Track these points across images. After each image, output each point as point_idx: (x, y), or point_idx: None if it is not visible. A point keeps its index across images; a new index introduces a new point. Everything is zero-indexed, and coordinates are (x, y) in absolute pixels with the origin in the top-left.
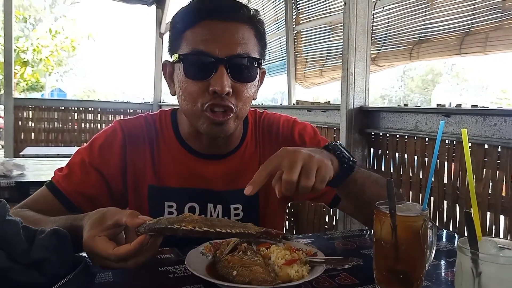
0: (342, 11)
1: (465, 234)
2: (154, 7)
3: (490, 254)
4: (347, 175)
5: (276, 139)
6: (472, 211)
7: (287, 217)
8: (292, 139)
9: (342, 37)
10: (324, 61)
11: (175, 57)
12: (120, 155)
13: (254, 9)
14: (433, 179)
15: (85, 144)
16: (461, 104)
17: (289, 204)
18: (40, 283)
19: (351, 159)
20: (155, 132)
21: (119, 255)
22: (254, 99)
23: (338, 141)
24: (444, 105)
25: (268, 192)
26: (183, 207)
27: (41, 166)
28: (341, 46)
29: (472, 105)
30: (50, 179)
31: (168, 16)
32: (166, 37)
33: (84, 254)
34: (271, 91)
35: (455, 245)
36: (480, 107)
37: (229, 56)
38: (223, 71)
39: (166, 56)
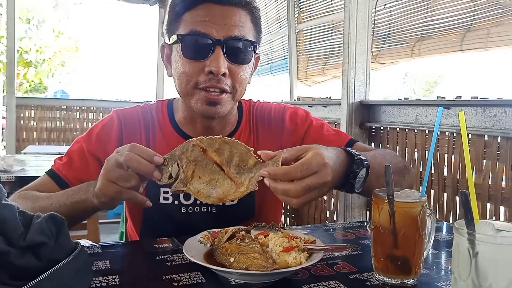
0: (343, 8)
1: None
2: (156, 6)
3: (487, 234)
4: (351, 183)
5: (268, 124)
6: (469, 193)
7: (287, 213)
8: (283, 122)
9: (343, 35)
10: (326, 59)
11: (173, 38)
12: (117, 142)
13: None
14: (432, 165)
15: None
16: (461, 96)
17: None
18: (36, 267)
19: (356, 188)
20: (150, 120)
21: (141, 149)
22: (248, 83)
23: (367, 163)
24: (444, 97)
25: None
26: (178, 194)
27: (42, 162)
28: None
29: (472, 97)
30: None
31: None
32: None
33: (84, 243)
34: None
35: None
36: (480, 98)
37: (226, 37)
38: (220, 52)
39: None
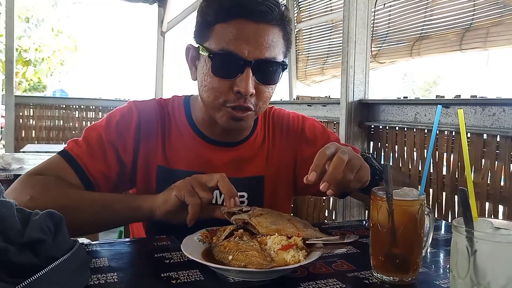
0: (342, 8)
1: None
2: (156, 5)
3: (485, 232)
4: (377, 184)
5: (286, 133)
6: (468, 191)
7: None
8: (302, 132)
9: (342, 34)
10: (325, 58)
11: (203, 50)
12: (135, 133)
13: (284, 5)
14: (431, 164)
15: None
16: (460, 95)
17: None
18: (34, 264)
19: (381, 169)
20: (167, 115)
21: (204, 186)
22: None
23: (370, 153)
24: (443, 96)
25: (275, 183)
26: None
27: (41, 161)
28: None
29: (471, 96)
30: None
31: (170, 15)
32: (169, 35)
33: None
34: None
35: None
36: (479, 97)
37: (257, 59)
38: (249, 73)
39: (170, 53)
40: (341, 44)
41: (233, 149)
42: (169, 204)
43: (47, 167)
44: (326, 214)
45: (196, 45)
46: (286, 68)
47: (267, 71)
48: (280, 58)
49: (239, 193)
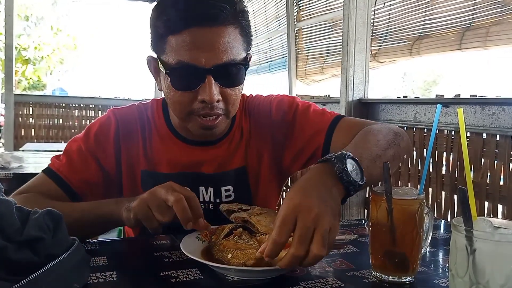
0: (342, 7)
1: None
2: (155, 4)
3: (485, 231)
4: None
5: (259, 119)
6: (467, 190)
7: None
8: (270, 114)
9: (342, 33)
10: (325, 57)
11: (160, 64)
12: (115, 141)
13: None
14: (430, 163)
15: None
16: (459, 94)
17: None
18: (33, 262)
19: (359, 182)
20: (147, 120)
21: (181, 189)
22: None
23: (347, 154)
24: (443, 95)
25: (257, 172)
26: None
27: (40, 159)
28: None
29: (470, 95)
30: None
31: None
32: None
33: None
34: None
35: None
36: (479, 96)
37: (216, 65)
38: (211, 80)
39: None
40: (341, 43)
41: (213, 147)
42: (131, 224)
43: (32, 185)
44: None
45: (155, 56)
46: (248, 66)
47: (229, 74)
48: (240, 56)
49: (224, 187)
